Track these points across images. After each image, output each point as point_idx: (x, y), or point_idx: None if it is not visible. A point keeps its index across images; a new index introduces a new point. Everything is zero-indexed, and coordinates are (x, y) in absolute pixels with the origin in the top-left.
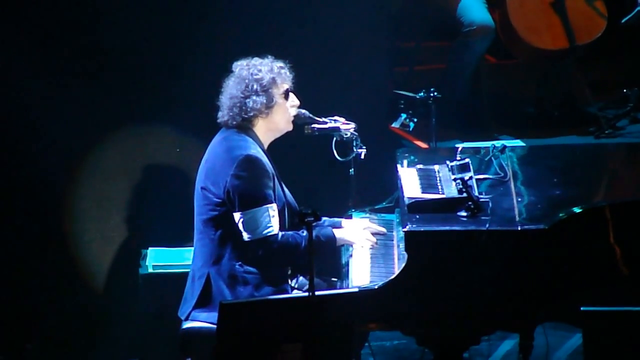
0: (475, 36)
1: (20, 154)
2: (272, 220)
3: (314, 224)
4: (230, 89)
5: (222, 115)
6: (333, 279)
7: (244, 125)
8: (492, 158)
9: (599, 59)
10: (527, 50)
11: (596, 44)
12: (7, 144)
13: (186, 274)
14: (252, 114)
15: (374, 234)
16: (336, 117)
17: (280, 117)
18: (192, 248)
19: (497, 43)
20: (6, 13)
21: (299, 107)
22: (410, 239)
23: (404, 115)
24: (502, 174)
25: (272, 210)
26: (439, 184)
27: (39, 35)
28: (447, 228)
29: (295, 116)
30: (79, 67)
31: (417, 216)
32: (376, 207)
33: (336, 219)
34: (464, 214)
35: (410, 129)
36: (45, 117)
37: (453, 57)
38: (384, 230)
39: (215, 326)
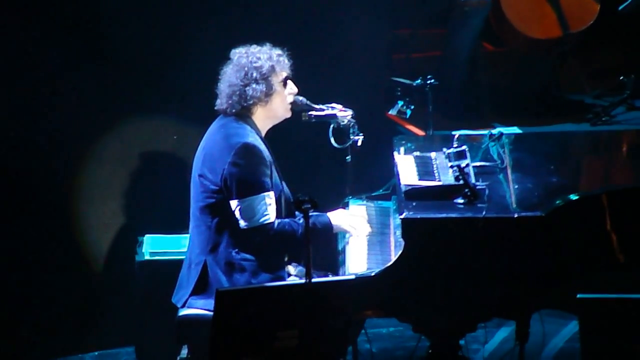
0: (472, 5)
1: (21, 142)
2: (268, 208)
3: (310, 211)
4: (229, 77)
5: (221, 103)
6: (327, 273)
7: (243, 113)
8: (489, 145)
9: (595, 47)
10: (520, 39)
11: (592, 30)
12: (9, 133)
13: (183, 261)
14: (251, 102)
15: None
16: (333, 104)
17: (279, 104)
18: (189, 235)
19: (494, 31)
20: (6, 5)
21: (297, 94)
22: (407, 226)
23: (400, 103)
24: (499, 162)
25: (269, 198)
26: (435, 171)
27: (37, 26)
28: (444, 215)
29: (292, 103)
30: (77, 56)
31: (414, 203)
32: (373, 194)
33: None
34: (460, 201)
35: (407, 116)
36: (45, 107)
37: (451, 33)
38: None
39: (211, 313)
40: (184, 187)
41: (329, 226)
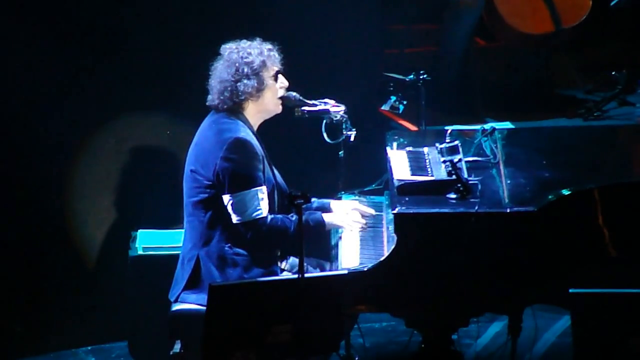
0: (465, 4)
1: (15, 138)
2: (261, 203)
3: (303, 206)
4: (220, 73)
5: (212, 99)
6: (322, 261)
7: (234, 109)
8: (482, 140)
9: (588, 42)
10: (513, 34)
11: (584, 26)
12: (2, 129)
13: (176, 256)
14: (243, 97)
15: (362, 215)
16: (326, 100)
17: (270, 99)
18: (182, 230)
19: (486, 26)
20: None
21: (289, 89)
22: (400, 221)
23: (393, 98)
24: (491, 157)
25: (262, 193)
26: (428, 167)
27: (30, 23)
28: (437, 210)
29: (285, 98)
30: (69, 53)
31: (407, 198)
32: (365, 189)
33: (325, 200)
34: (453, 196)
35: (400, 112)
36: (38, 103)
37: (444, 31)
38: (372, 211)
39: (204, 308)
40: (176, 183)
41: (321, 223)
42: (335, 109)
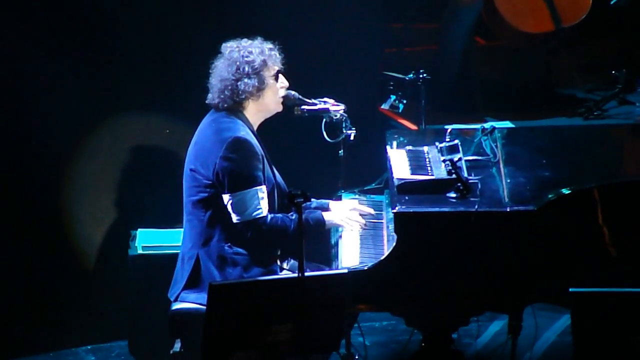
0: (463, 4)
1: (13, 137)
2: (261, 202)
3: (303, 205)
4: (221, 71)
5: (212, 98)
6: (321, 266)
7: (234, 108)
8: (481, 139)
9: (587, 41)
10: (513, 34)
11: (584, 25)
12: (3, 129)
13: (175, 255)
14: (243, 96)
15: (362, 215)
16: (326, 99)
17: (271, 98)
18: (181, 229)
19: (486, 25)
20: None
21: (288, 88)
22: (400, 220)
23: (393, 97)
24: (491, 156)
25: (261, 192)
26: (428, 165)
27: (29, 22)
28: (437, 209)
29: (284, 97)
30: (68, 51)
31: (407, 197)
32: (365, 188)
33: (324, 201)
34: (453, 195)
35: (400, 111)
36: (37, 102)
37: (444, 30)
38: (372, 210)
39: (204, 307)
40: (176, 182)
41: (321, 222)
42: (335, 107)
